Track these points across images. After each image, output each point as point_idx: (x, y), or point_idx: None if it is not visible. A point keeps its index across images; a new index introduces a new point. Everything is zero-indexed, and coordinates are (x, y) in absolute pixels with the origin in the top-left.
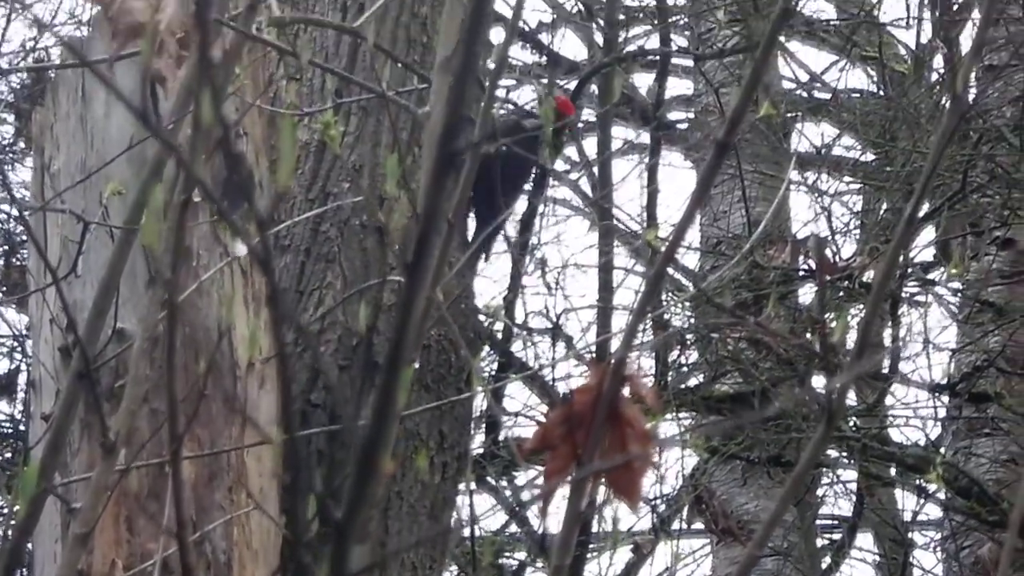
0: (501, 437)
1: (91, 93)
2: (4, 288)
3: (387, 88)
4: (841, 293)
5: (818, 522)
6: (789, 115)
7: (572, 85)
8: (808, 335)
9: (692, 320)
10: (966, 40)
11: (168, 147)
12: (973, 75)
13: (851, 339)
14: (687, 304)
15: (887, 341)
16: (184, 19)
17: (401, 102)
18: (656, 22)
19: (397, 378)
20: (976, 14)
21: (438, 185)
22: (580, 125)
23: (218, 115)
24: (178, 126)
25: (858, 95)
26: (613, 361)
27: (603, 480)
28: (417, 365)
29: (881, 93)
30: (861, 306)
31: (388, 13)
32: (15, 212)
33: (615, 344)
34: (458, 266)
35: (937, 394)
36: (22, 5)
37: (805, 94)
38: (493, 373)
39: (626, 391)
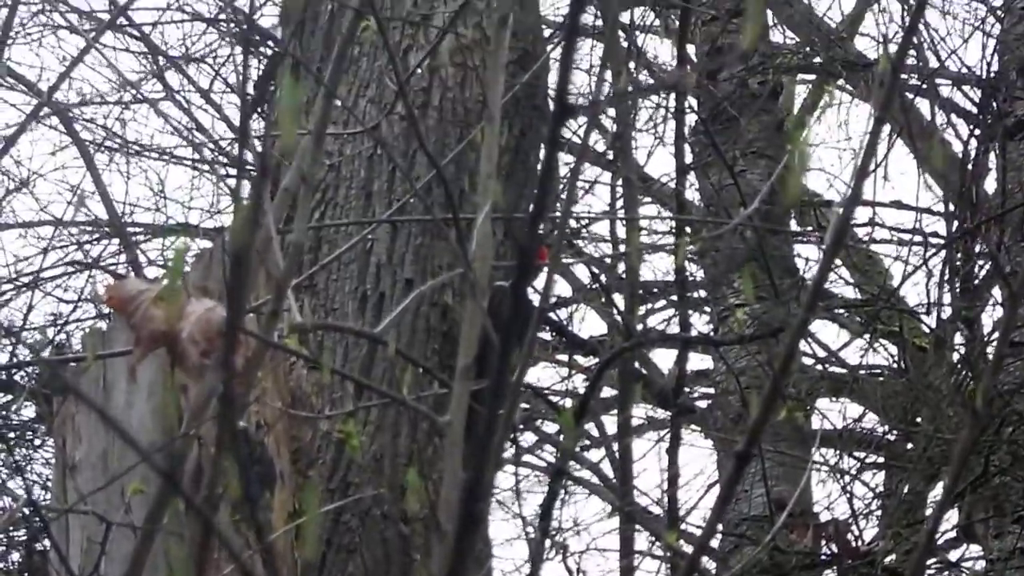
0: None
1: (112, 383)
2: (26, 574)
3: (406, 394)
4: None
5: None
6: (808, 395)
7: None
8: None
9: None
10: (987, 319)
11: (191, 505)
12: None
13: None
14: None
15: None
16: (206, 328)
17: (420, 408)
18: (676, 297)
19: None
20: (995, 291)
21: (460, 548)
22: (602, 397)
23: (235, 433)
24: (196, 432)
25: (879, 373)
26: None
27: None
28: None
29: (902, 368)
30: None
31: (407, 309)
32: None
33: None
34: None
35: None
36: (42, 287)
37: (825, 371)
38: None
39: None
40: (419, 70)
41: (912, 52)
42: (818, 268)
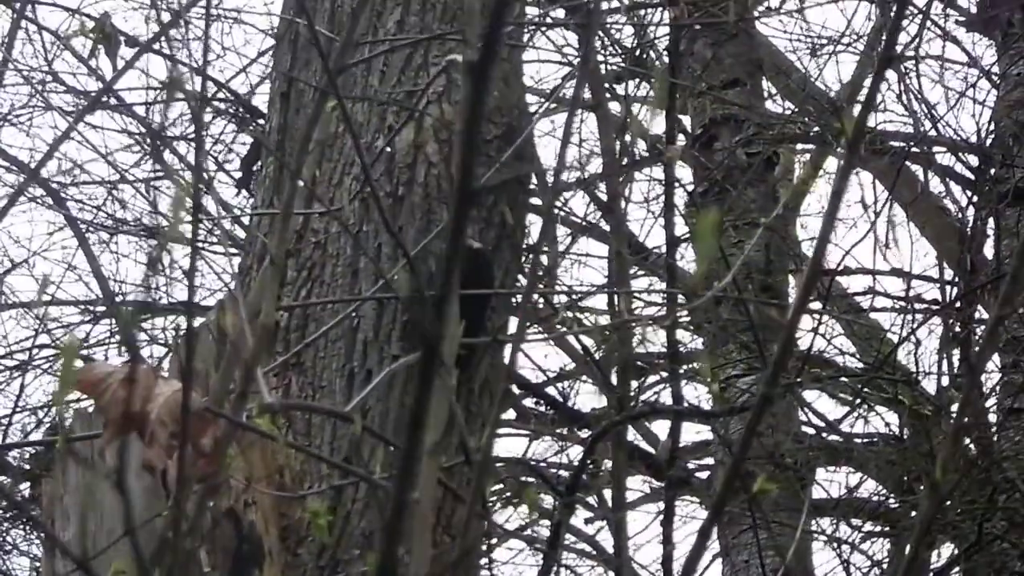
0: None
1: (100, 464)
2: None
3: (380, 471)
4: None
5: None
6: (807, 464)
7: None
8: None
9: None
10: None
11: None
12: (994, 417)
13: None
14: None
15: None
16: (174, 409)
17: (386, 485)
18: (668, 374)
19: None
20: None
21: None
22: (601, 472)
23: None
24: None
25: (877, 439)
26: None
27: None
28: None
29: (898, 435)
30: None
31: (382, 384)
32: None
33: None
34: None
35: None
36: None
37: (824, 440)
38: None
39: None
40: (405, 146)
41: (908, 119)
42: (779, 344)
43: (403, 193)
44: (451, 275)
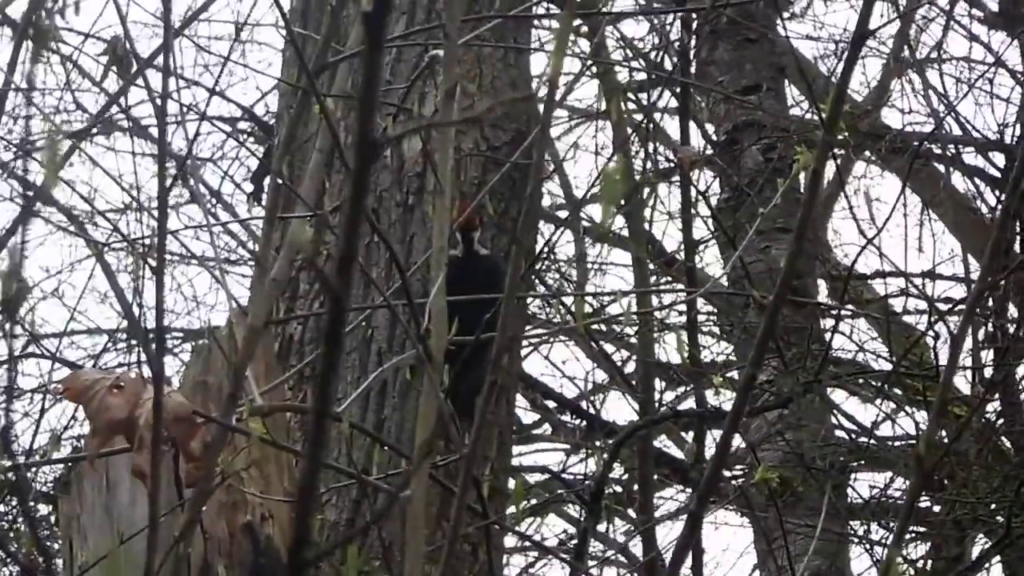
0: None
1: (116, 482)
2: None
3: (376, 471)
4: None
5: None
6: (841, 467)
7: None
8: None
9: None
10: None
11: None
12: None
13: None
14: None
15: None
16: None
17: (382, 486)
18: (691, 383)
19: None
20: None
21: None
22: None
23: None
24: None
25: (901, 441)
26: None
27: None
28: None
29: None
30: None
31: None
32: None
33: None
34: None
35: None
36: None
37: (854, 441)
38: None
39: None
40: (414, 155)
41: (929, 118)
42: (763, 324)
43: (412, 202)
44: (354, 235)
